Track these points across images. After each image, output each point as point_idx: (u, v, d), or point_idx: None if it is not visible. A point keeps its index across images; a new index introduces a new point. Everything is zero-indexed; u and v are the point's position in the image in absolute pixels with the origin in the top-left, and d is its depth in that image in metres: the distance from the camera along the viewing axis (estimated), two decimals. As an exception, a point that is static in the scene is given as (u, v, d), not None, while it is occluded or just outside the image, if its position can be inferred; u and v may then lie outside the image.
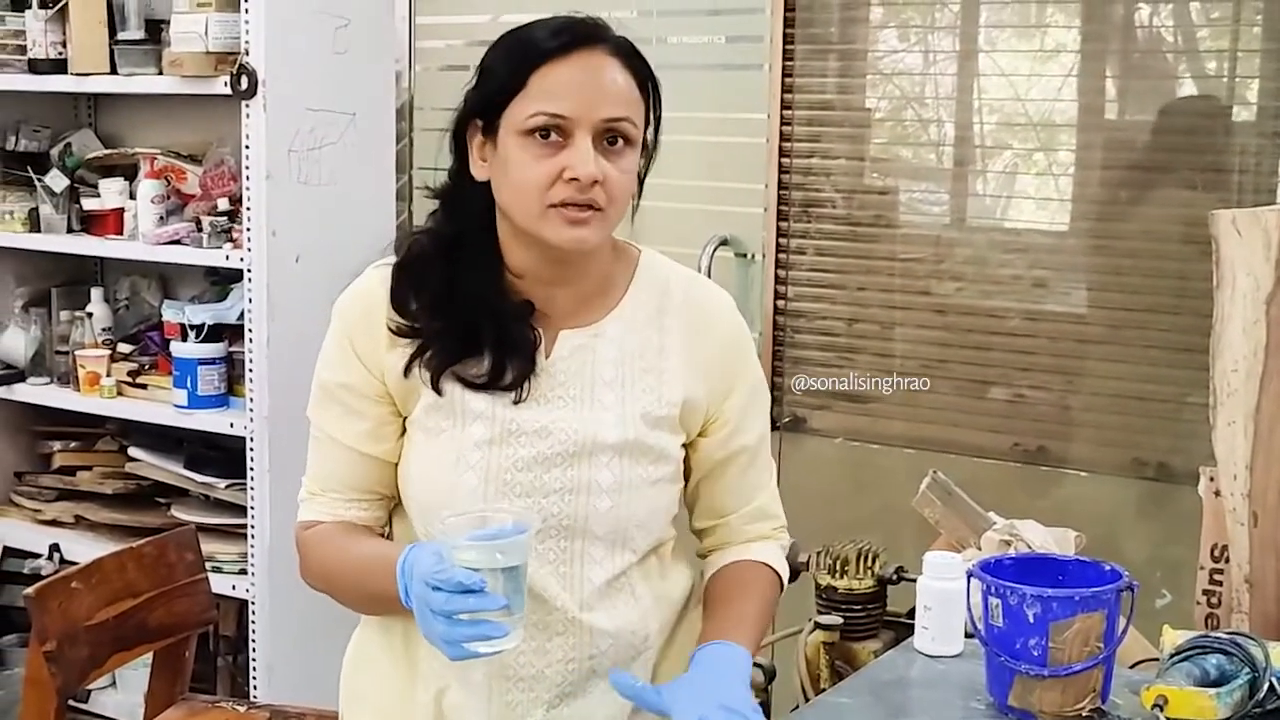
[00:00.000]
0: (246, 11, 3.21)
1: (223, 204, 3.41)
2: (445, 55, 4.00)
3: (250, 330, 3.32)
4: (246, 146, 3.27)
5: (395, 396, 1.73)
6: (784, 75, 3.42)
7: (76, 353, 3.65)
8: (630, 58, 1.68)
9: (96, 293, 3.75)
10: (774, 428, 3.41)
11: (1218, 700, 1.70)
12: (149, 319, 3.77)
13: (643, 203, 1.76)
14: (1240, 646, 1.76)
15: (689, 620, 1.85)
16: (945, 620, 2.01)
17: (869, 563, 2.57)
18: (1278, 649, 1.78)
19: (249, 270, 3.30)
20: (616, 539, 1.73)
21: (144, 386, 3.59)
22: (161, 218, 3.47)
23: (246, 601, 3.42)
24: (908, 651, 2.05)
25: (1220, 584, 2.16)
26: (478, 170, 1.70)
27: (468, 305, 1.70)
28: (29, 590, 2.38)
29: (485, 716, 1.75)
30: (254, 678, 3.42)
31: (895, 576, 2.57)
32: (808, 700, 2.43)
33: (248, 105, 3.24)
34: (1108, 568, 1.85)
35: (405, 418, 1.74)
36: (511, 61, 1.66)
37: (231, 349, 3.45)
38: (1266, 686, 1.74)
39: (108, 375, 3.59)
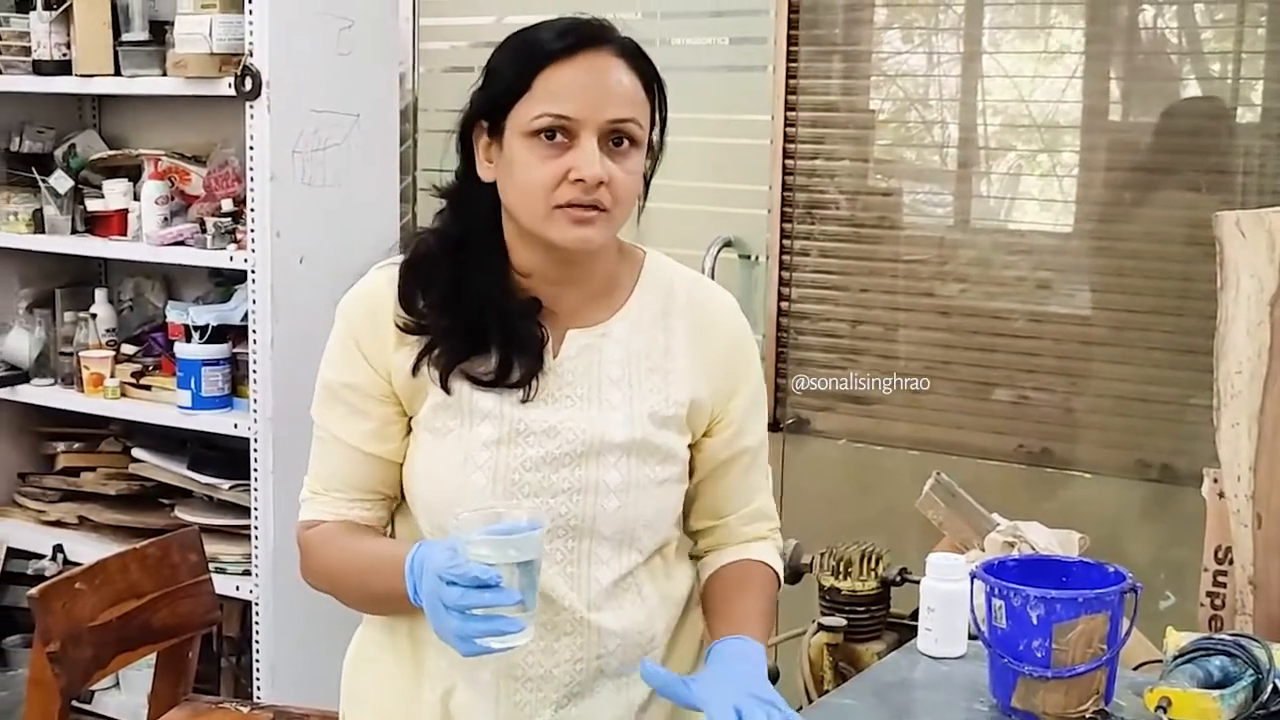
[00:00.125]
0: (250, 13, 3.22)
1: (227, 205, 3.41)
2: (449, 57, 4.00)
3: (254, 331, 3.32)
4: (250, 148, 3.27)
5: (401, 396, 1.73)
6: (788, 77, 3.42)
7: (80, 354, 3.66)
8: (636, 59, 1.68)
9: (100, 294, 3.76)
10: (777, 429, 3.43)
11: (1221, 702, 1.70)
12: (153, 320, 3.78)
13: (647, 204, 1.76)
14: (1244, 648, 1.76)
15: (691, 619, 1.85)
16: (949, 622, 2.02)
17: (872, 564, 2.57)
18: (1282, 651, 1.78)
19: (253, 271, 3.30)
20: (623, 539, 1.73)
21: (148, 387, 3.59)
22: (165, 219, 3.47)
23: (250, 602, 3.42)
24: (911, 653, 2.05)
25: (1224, 586, 2.16)
26: (484, 171, 1.71)
27: (475, 303, 1.70)
28: (33, 591, 2.38)
29: (493, 717, 1.74)
30: (257, 679, 3.42)
31: (899, 578, 2.56)
32: (811, 701, 2.42)
33: (252, 106, 3.24)
34: (1111, 569, 1.85)
35: (411, 418, 1.74)
36: (517, 63, 1.66)
37: (235, 350, 3.45)
38: (1270, 688, 1.74)
39: (111, 376, 3.60)
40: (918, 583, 2.09)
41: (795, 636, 2.64)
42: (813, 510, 3.29)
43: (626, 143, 1.65)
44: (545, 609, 1.68)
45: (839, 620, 2.53)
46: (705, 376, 1.77)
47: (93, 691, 3.63)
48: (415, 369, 1.70)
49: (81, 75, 3.49)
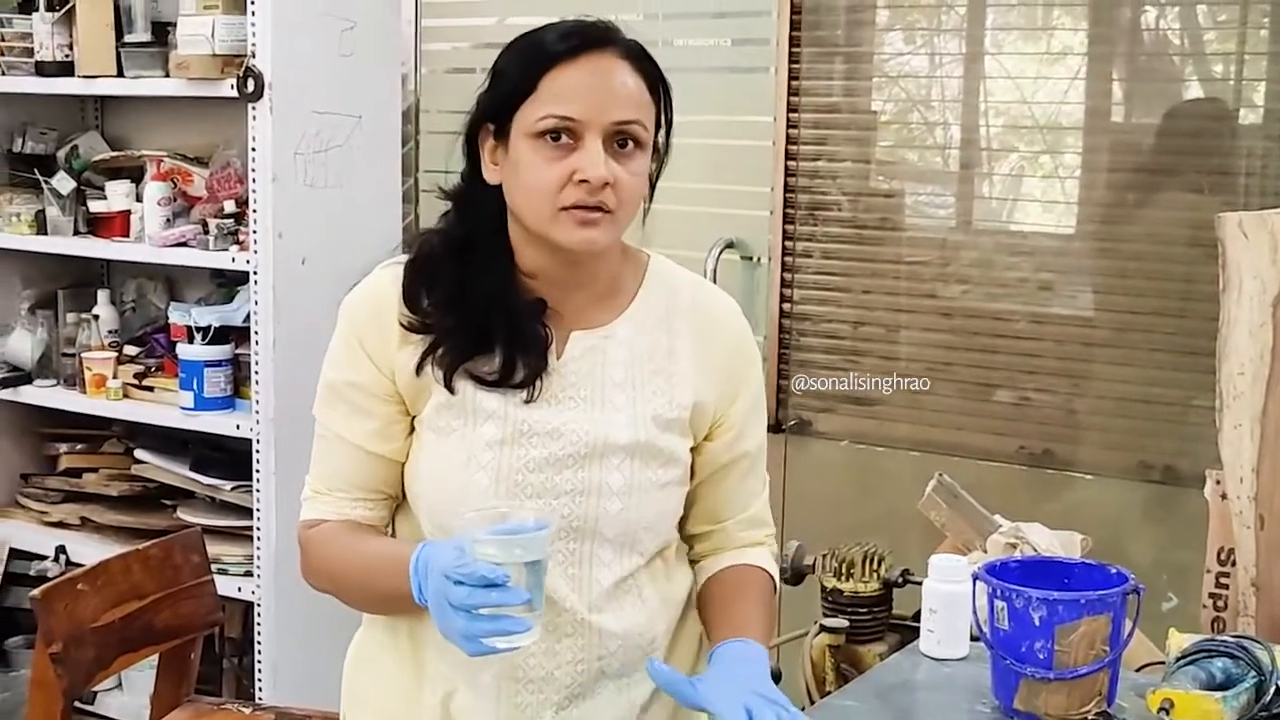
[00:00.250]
0: (253, 14, 3.22)
1: (229, 206, 3.41)
2: (451, 58, 4.01)
3: (256, 332, 3.32)
4: (253, 149, 3.27)
5: (405, 395, 1.73)
6: (790, 78, 3.42)
7: (83, 355, 3.66)
8: (641, 60, 1.68)
9: (103, 295, 3.76)
10: (780, 431, 3.43)
11: (1224, 704, 1.70)
12: (155, 321, 3.78)
13: (650, 206, 1.76)
14: (1246, 650, 1.76)
15: (691, 620, 1.85)
16: (951, 623, 2.02)
17: (875, 565, 2.57)
18: (1284, 652, 1.78)
19: (255, 272, 3.30)
20: (625, 541, 1.73)
21: (150, 388, 3.59)
22: (168, 220, 3.47)
23: (252, 603, 3.42)
24: (913, 654, 2.05)
25: (1226, 587, 2.16)
26: (489, 174, 1.71)
27: (480, 302, 1.70)
28: (35, 592, 2.38)
29: (494, 718, 1.74)
30: (259, 679, 3.43)
31: (901, 579, 2.56)
32: (813, 703, 2.42)
33: (254, 108, 3.24)
34: (1113, 571, 1.85)
35: (414, 417, 1.74)
36: (522, 65, 1.66)
37: (238, 351, 3.45)
38: (1273, 690, 1.73)
39: (114, 377, 3.60)
40: (920, 584, 2.09)
41: (797, 638, 2.64)
42: (815, 512, 3.29)
43: (631, 144, 1.66)
44: (547, 610, 1.67)
45: (841, 621, 2.53)
46: (708, 380, 1.78)
47: (95, 692, 3.63)
48: (419, 368, 1.70)
49: (84, 76, 3.49)
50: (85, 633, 2.42)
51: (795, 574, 2.62)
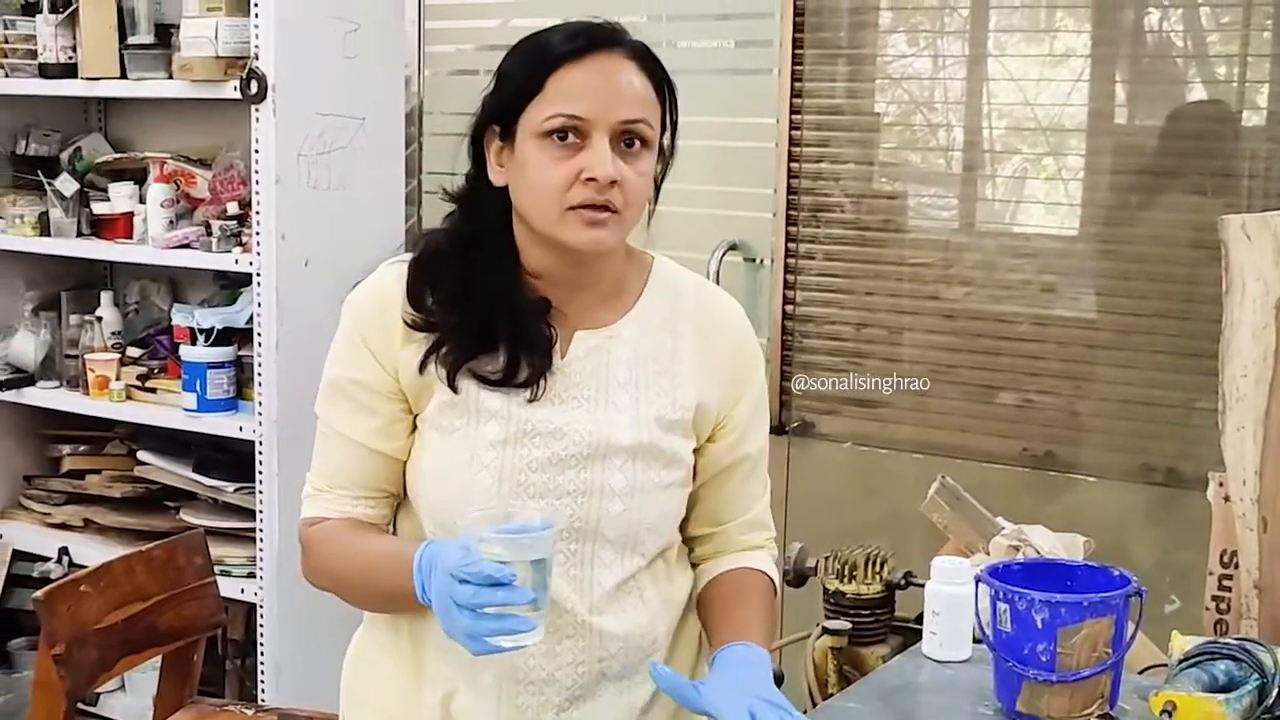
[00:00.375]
0: (256, 16, 3.22)
1: (232, 208, 3.41)
2: (455, 60, 4.01)
3: (259, 334, 3.32)
4: (256, 151, 3.27)
5: (408, 394, 1.73)
6: (793, 80, 3.42)
7: (86, 356, 3.66)
8: (646, 61, 1.69)
9: (106, 296, 3.76)
10: (783, 432, 3.43)
11: (1226, 706, 1.69)
12: (158, 323, 3.78)
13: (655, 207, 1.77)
14: (1249, 652, 1.76)
15: (691, 622, 1.85)
16: (953, 625, 2.01)
17: (877, 567, 2.56)
18: (1287, 655, 1.77)
19: (258, 274, 3.30)
20: (627, 543, 1.73)
21: (153, 390, 3.59)
22: (171, 222, 3.47)
23: (255, 605, 3.42)
24: (916, 656, 2.05)
25: (1229, 590, 2.16)
26: (495, 176, 1.71)
27: (485, 301, 1.70)
28: (38, 593, 2.38)
29: (494, 719, 1.75)
30: (262, 681, 3.43)
31: (903, 581, 2.56)
32: (815, 705, 2.42)
33: (257, 109, 3.24)
34: (1116, 573, 1.85)
35: (416, 416, 1.74)
36: (528, 65, 1.67)
37: (240, 353, 3.45)
38: (1276, 692, 1.73)
39: (117, 379, 3.60)
40: (922, 586, 2.09)
41: (799, 640, 2.64)
42: (817, 513, 3.29)
43: (638, 144, 1.66)
44: (548, 611, 1.68)
45: (843, 624, 2.53)
46: (711, 381, 1.78)
47: (98, 694, 3.63)
48: (422, 367, 1.70)
49: (87, 78, 3.49)
50: (88, 634, 2.42)
51: (798, 576, 2.62)
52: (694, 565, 1.88)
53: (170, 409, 3.52)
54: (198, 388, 3.42)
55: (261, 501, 3.37)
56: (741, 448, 1.82)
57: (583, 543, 1.72)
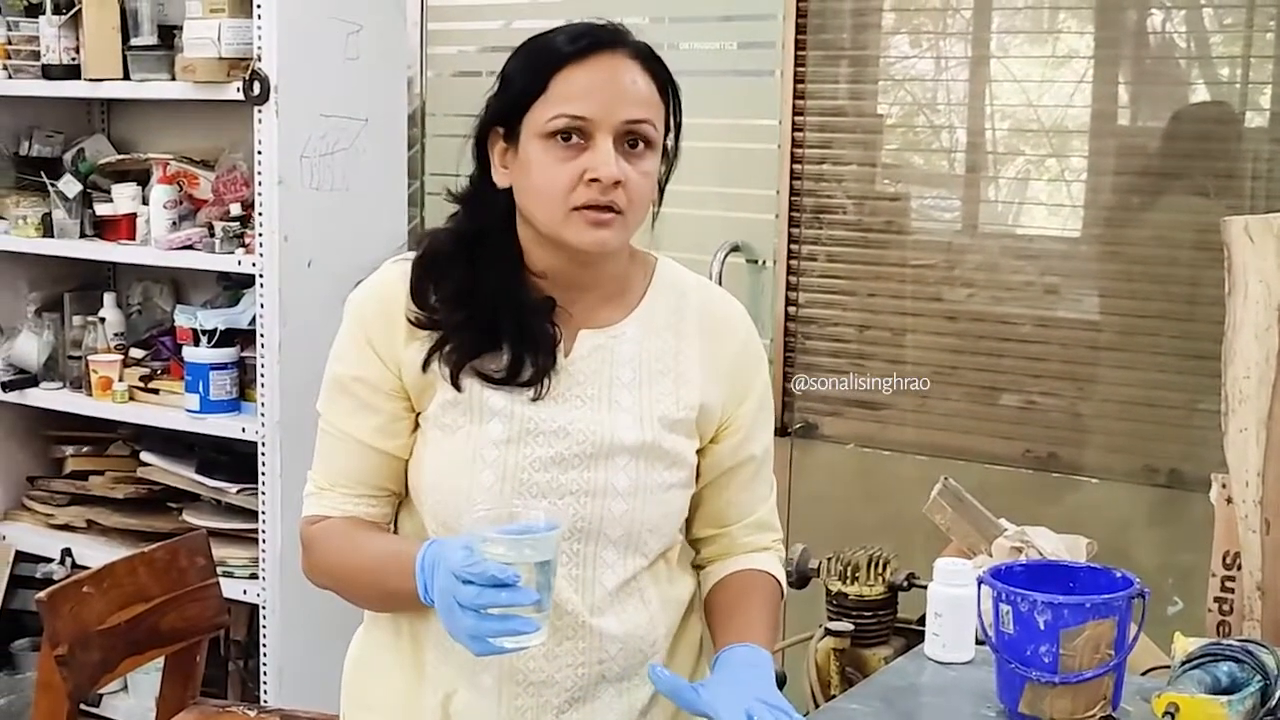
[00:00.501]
0: (259, 17, 3.22)
1: (235, 209, 3.41)
2: (457, 61, 4.01)
3: (262, 335, 3.33)
4: (259, 152, 3.28)
5: (411, 392, 1.73)
6: (796, 81, 3.42)
7: (89, 357, 3.66)
8: (650, 61, 1.69)
9: (109, 298, 3.77)
10: (785, 434, 3.43)
11: (1229, 708, 1.69)
12: (161, 324, 3.78)
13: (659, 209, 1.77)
14: (1252, 654, 1.76)
15: (691, 624, 1.85)
16: (956, 627, 2.01)
17: (880, 569, 2.56)
18: (1290, 657, 1.77)
19: (261, 275, 3.30)
20: (629, 543, 1.73)
21: (156, 391, 3.59)
22: (174, 223, 3.48)
23: (257, 606, 3.42)
24: (918, 658, 2.05)
25: (1232, 591, 2.16)
26: (499, 177, 1.71)
27: (489, 299, 1.70)
28: (41, 594, 2.38)
29: (494, 721, 1.75)
30: (264, 682, 3.43)
31: (906, 583, 2.56)
32: (818, 706, 2.42)
33: (260, 111, 3.25)
34: (1119, 575, 1.85)
35: (418, 414, 1.74)
36: (532, 66, 1.67)
37: (243, 354, 3.46)
38: (1278, 694, 1.73)
39: (120, 380, 3.60)
40: (925, 588, 2.09)
41: (802, 641, 2.64)
42: (820, 515, 3.29)
43: (641, 144, 1.66)
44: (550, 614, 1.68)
45: (846, 625, 2.53)
46: (715, 382, 1.78)
47: (101, 695, 3.64)
48: (425, 365, 1.70)
49: (90, 79, 3.50)
50: (91, 635, 2.42)
51: (800, 577, 2.62)
52: (700, 568, 1.88)
53: (173, 410, 3.52)
54: (200, 389, 3.43)
55: (264, 503, 3.37)
56: (746, 449, 1.82)
57: (585, 543, 1.72)
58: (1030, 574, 1.89)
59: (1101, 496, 3.16)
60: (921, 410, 3.36)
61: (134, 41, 3.45)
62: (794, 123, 3.43)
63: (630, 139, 1.65)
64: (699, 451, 1.80)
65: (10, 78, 3.64)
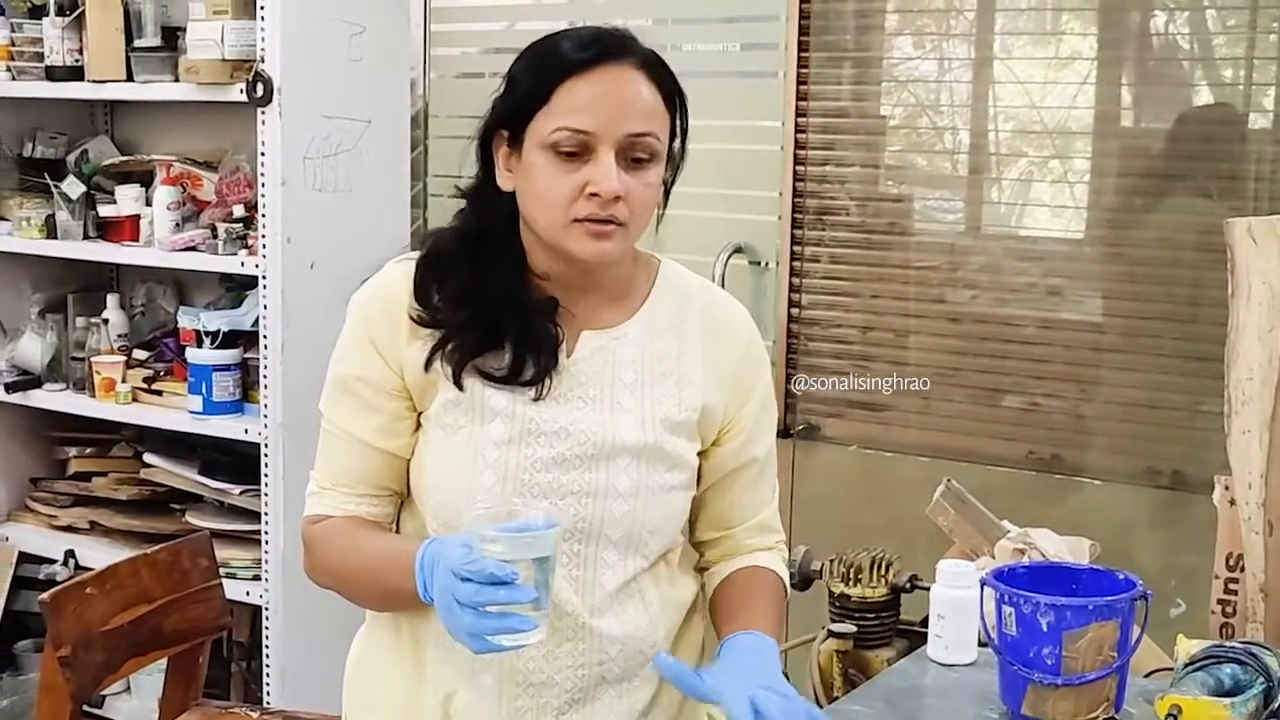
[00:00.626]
0: (262, 19, 3.22)
1: (238, 211, 3.41)
2: (460, 63, 4.02)
3: (265, 336, 3.33)
4: (262, 153, 3.28)
5: (413, 391, 1.73)
6: (799, 83, 3.42)
7: (92, 359, 3.67)
8: (656, 70, 1.67)
9: (112, 299, 3.77)
10: (788, 435, 3.43)
11: (1232, 710, 1.69)
12: (164, 325, 3.78)
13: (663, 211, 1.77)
14: (1255, 656, 1.76)
15: (692, 625, 1.85)
16: (959, 629, 2.01)
17: (883, 571, 2.56)
18: (1293, 659, 1.77)
19: (264, 277, 3.31)
20: (630, 544, 1.73)
21: (159, 393, 3.59)
22: (177, 224, 3.48)
23: (260, 607, 3.42)
24: (921, 660, 2.05)
25: (1235, 593, 2.16)
26: (503, 180, 1.71)
27: (491, 298, 1.70)
28: (44, 595, 2.38)
29: (494, 721, 1.75)
30: (267, 683, 3.43)
31: (909, 584, 2.56)
32: (821, 708, 2.42)
33: (263, 112, 3.25)
34: (1122, 576, 1.85)
35: (420, 414, 1.74)
36: (537, 74, 1.66)
37: (246, 355, 3.46)
38: (1281, 696, 1.73)
39: (123, 381, 3.60)
40: (928, 589, 2.09)
41: (805, 643, 2.64)
42: (823, 516, 3.29)
43: (645, 156, 1.65)
44: (549, 613, 1.68)
45: (849, 627, 2.53)
46: (718, 384, 1.78)
47: (104, 696, 3.64)
48: (428, 364, 1.70)
49: (94, 81, 3.50)
50: (94, 636, 2.42)
51: (803, 579, 2.62)
52: (703, 570, 1.88)
53: (176, 411, 3.52)
54: (203, 390, 3.43)
55: (267, 504, 3.37)
56: (748, 451, 1.82)
57: (586, 543, 1.72)
58: (1033, 576, 1.89)
59: (1104, 498, 3.16)
60: (924, 412, 3.35)
61: (137, 43, 3.45)
62: (797, 124, 3.43)
63: (634, 152, 1.64)
64: (702, 454, 1.79)
65: (14, 79, 3.64)
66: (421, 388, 1.72)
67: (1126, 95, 3.24)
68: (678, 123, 1.71)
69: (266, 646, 3.42)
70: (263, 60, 3.24)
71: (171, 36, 3.45)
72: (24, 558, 3.81)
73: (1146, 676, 2.02)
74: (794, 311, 3.48)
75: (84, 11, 3.46)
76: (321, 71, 3.34)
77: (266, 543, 3.38)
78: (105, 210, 3.63)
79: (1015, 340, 3.27)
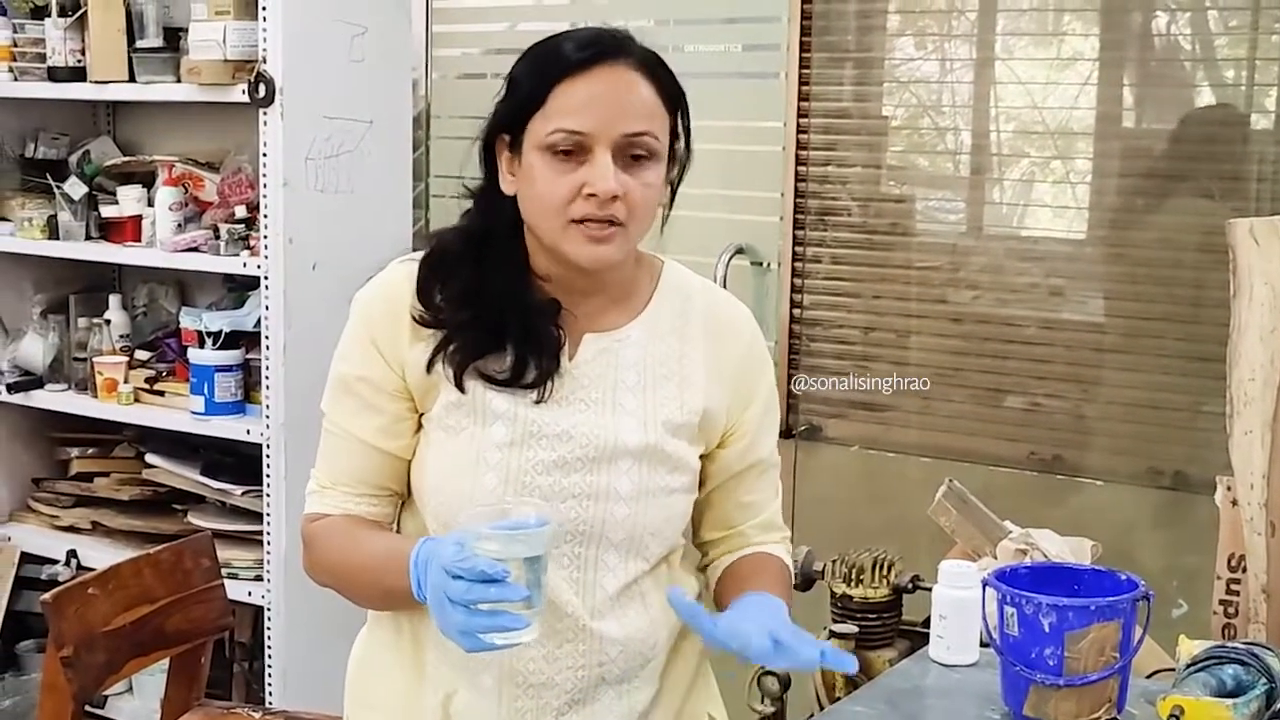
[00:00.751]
0: (264, 20, 3.23)
1: (240, 211, 3.42)
2: (462, 63, 4.02)
3: (267, 337, 3.33)
4: (264, 154, 3.28)
5: (414, 393, 1.73)
6: (801, 83, 3.42)
7: (94, 359, 3.67)
8: (655, 70, 1.67)
9: (114, 299, 3.77)
10: (789, 436, 3.43)
11: (1234, 711, 1.69)
12: (166, 326, 3.78)
13: (665, 212, 1.76)
14: (1257, 657, 1.76)
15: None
16: (961, 629, 2.01)
17: (884, 571, 2.56)
18: (1295, 659, 1.77)
19: (266, 277, 3.31)
20: (631, 547, 1.73)
21: (161, 393, 3.60)
22: (179, 225, 3.48)
23: (262, 608, 3.42)
24: (923, 660, 2.05)
25: (1237, 594, 2.16)
26: (506, 184, 1.70)
27: (494, 299, 1.70)
28: (46, 596, 2.38)
29: (494, 722, 1.75)
30: (269, 684, 3.43)
31: (911, 585, 2.56)
32: (823, 709, 2.42)
33: (265, 113, 3.25)
34: (1124, 577, 1.85)
35: (422, 415, 1.74)
36: (534, 75, 1.66)
37: (248, 356, 3.46)
38: (1283, 697, 1.73)
39: (125, 382, 3.60)
40: (929, 590, 2.09)
41: (807, 643, 2.63)
42: (824, 517, 3.29)
43: (643, 156, 1.65)
44: (549, 615, 1.68)
45: (851, 627, 2.53)
46: (720, 387, 1.78)
47: (106, 696, 3.64)
48: (430, 365, 1.70)
49: (96, 82, 3.50)
50: (96, 637, 2.42)
51: (805, 579, 2.62)
52: (706, 568, 1.88)
53: (178, 412, 3.53)
54: (205, 391, 3.43)
55: (269, 505, 3.37)
56: (752, 452, 1.82)
57: (587, 546, 1.72)
58: (1035, 576, 1.88)
59: (1106, 499, 3.16)
60: (926, 412, 3.35)
61: (139, 44, 3.45)
62: (799, 125, 3.43)
63: (631, 151, 1.64)
64: (706, 457, 1.80)
65: (16, 80, 3.64)
66: (423, 389, 1.72)
67: (1128, 96, 3.24)
68: (679, 123, 1.71)
69: (268, 647, 3.42)
70: (264, 61, 3.24)
71: (173, 37, 3.45)
72: (26, 558, 3.81)
73: (1148, 677, 2.02)
74: (795, 312, 3.48)
75: (86, 12, 3.46)
76: (323, 72, 3.34)
77: (268, 543, 3.38)
78: (107, 211, 3.63)
79: (1017, 341, 3.27)
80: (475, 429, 1.70)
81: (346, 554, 1.75)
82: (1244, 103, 3.10)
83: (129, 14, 3.45)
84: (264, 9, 3.22)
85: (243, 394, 3.47)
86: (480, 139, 1.72)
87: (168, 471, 3.66)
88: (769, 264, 3.52)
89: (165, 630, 2.58)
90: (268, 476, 3.36)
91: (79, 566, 3.59)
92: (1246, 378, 2.10)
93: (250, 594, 3.40)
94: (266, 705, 3.36)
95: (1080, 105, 3.23)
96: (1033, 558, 2.32)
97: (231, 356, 3.45)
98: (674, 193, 1.75)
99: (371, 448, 1.75)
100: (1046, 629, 1.76)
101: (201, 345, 3.45)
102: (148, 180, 3.65)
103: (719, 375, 1.78)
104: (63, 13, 3.51)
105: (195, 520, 3.54)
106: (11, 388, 3.73)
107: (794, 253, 3.47)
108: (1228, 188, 3.06)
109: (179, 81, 3.40)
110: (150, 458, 3.70)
